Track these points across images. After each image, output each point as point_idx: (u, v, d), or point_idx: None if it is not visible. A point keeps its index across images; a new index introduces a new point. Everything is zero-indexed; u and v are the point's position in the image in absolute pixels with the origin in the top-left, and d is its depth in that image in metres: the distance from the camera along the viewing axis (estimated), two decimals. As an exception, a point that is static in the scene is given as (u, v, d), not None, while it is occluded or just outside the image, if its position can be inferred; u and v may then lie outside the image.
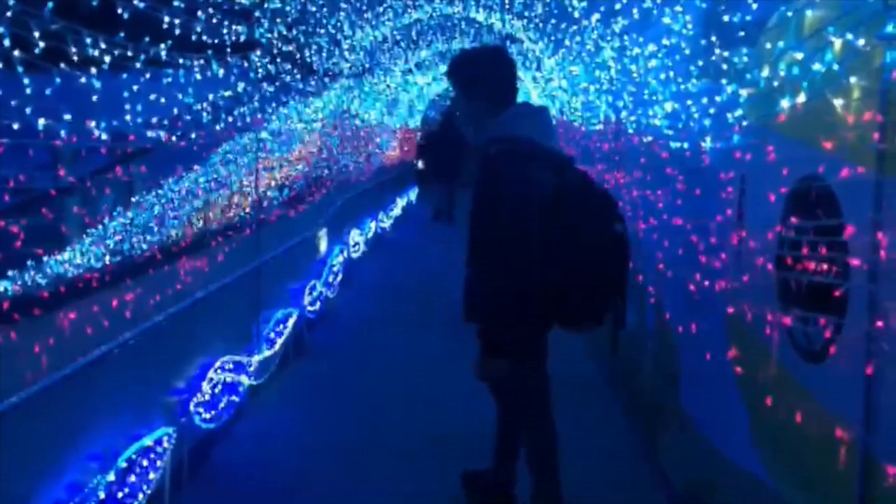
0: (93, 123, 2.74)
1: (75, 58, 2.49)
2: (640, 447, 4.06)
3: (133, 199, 4.13)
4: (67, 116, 2.52)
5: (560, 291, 2.77)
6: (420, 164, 16.06)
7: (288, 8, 4.95)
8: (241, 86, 4.43)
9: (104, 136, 2.83)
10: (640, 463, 3.90)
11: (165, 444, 3.28)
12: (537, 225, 2.72)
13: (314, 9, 5.57)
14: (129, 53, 2.82)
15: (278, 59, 4.99)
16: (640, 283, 4.27)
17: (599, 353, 5.47)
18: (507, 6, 7.01)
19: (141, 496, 3.01)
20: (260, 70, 4.73)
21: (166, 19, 3.11)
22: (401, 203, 14.01)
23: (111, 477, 2.86)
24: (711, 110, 3.11)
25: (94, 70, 2.62)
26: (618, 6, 4.48)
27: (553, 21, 6.38)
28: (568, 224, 2.74)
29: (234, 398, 4.29)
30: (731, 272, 2.89)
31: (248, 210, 5.24)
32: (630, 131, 4.83)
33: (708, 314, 3.10)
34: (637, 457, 3.97)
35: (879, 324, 1.91)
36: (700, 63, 3.26)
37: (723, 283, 2.94)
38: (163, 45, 3.08)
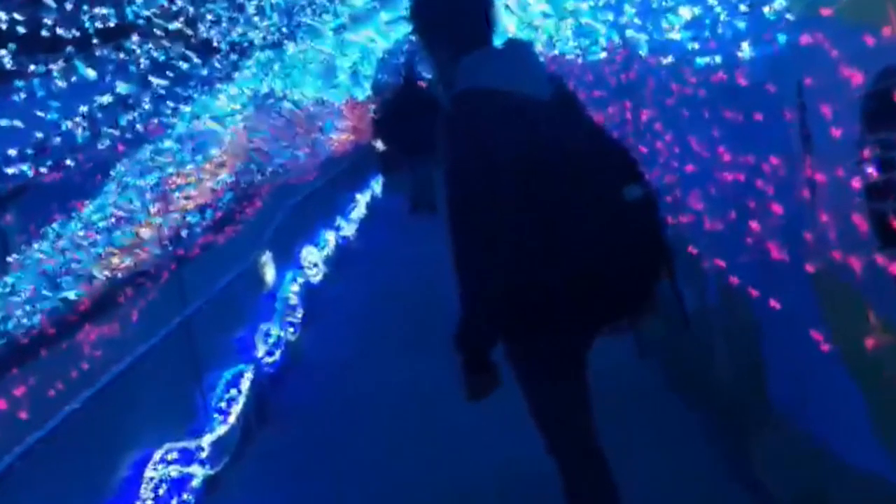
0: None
1: None
2: (726, 460, 4.03)
3: (10, 259, 4.08)
4: None
5: (571, 286, 2.73)
6: (380, 145, 16.01)
7: (164, -28, 4.91)
8: (121, 86, 4.38)
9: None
10: (730, 480, 3.88)
11: (104, 577, 3.21)
12: (510, 201, 2.70)
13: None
14: (-40, 69, 2.75)
15: (165, 42, 4.93)
16: (689, 252, 4.24)
17: (653, 348, 5.43)
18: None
19: None
20: (143, 61, 4.68)
21: (2, 16, 3.04)
22: (363, 200, 13.97)
23: None
24: (743, 7, 3.07)
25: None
26: None
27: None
28: (565, 195, 2.71)
29: (187, 496, 4.23)
30: (805, 216, 2.85)
31: (164, 244, 5.21)
32: (642, 54, 4.79)
33: (788, 276, 3.07)
34: (725, 473, 3.95)
35: None
36: (717, -53, 3.22)
37: (799, 233, 2.90)
38: (4, 51, 3.02)
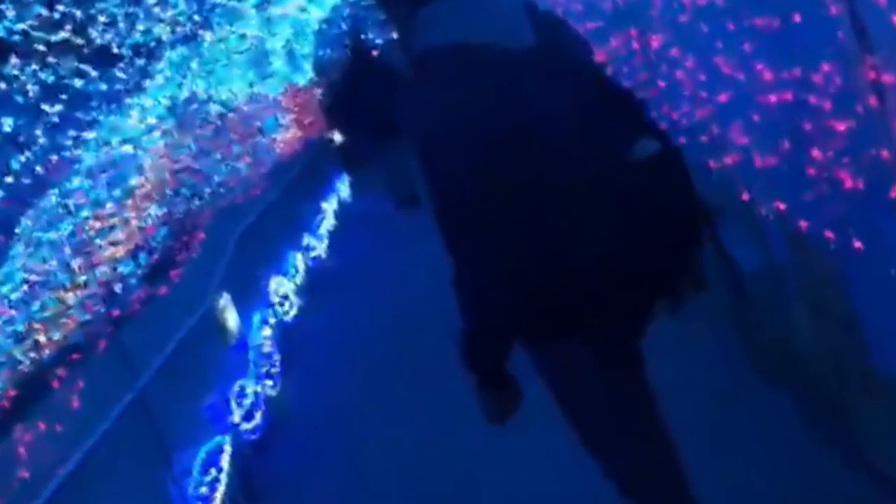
0: None
1: None
2: (832, 444, 4.02)
3: None
4: None
5: (594, 270, 2.75)
6: (337, 136, 16.02)
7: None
8: (7, 122, 4.37)
9: None
10: (842, 471, 3.88)
11: None
12: (502, 180, 2.71)
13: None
14: None
15: (52, 59, 4.92)
16: (742, 199, 4.24)
17: (711, 322, 5.43)
18: None
19: None
20: (29, 86, 4.67)
21: None
22: (330, 207, 13.97)
23: None
24: None
25: None
26: None
27: None
28: (566, 163, 2.73)
29: None
30: (877, 129, 2.84)
31: (95, 307, 5.20)
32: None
33: (868, 207, 3.06)
34: (834, 463, 3.94)
35: None
36: None
37: (873, 152, 2.90)
38: None
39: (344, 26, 15.88)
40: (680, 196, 2.85)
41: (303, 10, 13.34)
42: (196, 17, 8.23)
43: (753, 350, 5.02)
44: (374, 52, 13.33)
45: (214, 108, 9.40)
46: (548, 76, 2.85)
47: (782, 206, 3.92)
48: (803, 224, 3.74)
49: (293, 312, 9.08)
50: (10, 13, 4.57)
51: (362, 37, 13.73)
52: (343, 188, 15.81)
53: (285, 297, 9.05)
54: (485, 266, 2.78)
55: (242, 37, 10.47)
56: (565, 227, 2.74)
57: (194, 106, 8.66)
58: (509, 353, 2.91)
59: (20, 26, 4.63)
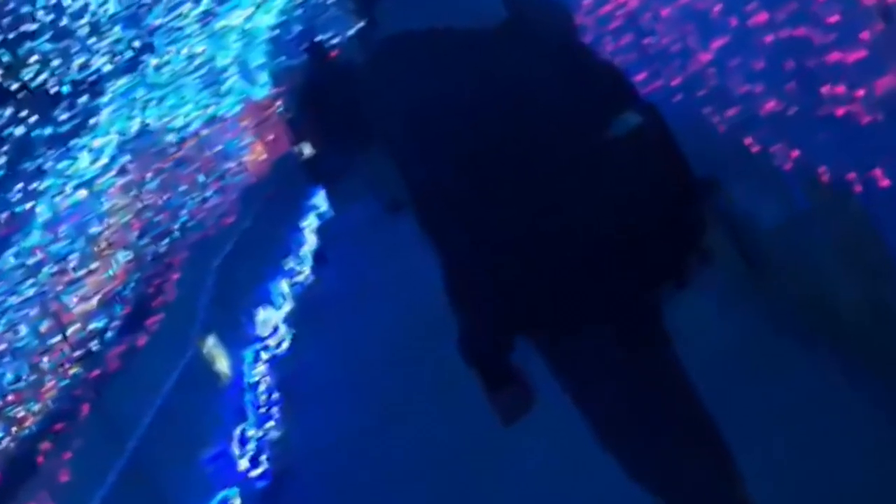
0: None
1: None
2: (879, 405, 4.01)
3: None
4: None
5: (591, 254, 2.75)
6: (307, 149, 16.01)
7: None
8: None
9: None
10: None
11: None
12: (479, 172, 2.70)
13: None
14: None
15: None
16: (752, 152, 4.23)
17: (732, 294, 5.42)
18: None
19: None
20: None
21: None
22: (310, 226, 13.97)
23: None
24: None
25: None
26: None
27: None
28: (546, 148, 2.72)
29: None
30: (889, 55, 2.82)
31: (71, 370, 5.21)
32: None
33: (888, 140, 3.04)
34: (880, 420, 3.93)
35: None
36: None
37: (885, 82, 2.88)
38: None
39: (297, 30, 15.88)
40: (669, 168, 2.83)
41: (248, 18, 13.33)
42: (136, 43, 8.21)
43: (784, 311, 5.01)
44: (333, 53, 13.31)
45: (170, 138, 9.40)
46: (524, 54, 2.84)
47: (797, 153, 3.91)
48: (822, 169, 3.73)
49: (286, 343, 9.06)
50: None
51: (318, 38, 13.72)
52: (320, 203, 15.78)
53: (275, 330, 9.03)
54: (474, 260, 2.78)
55: (189, 56, 10.47)
56: (554, 213, 2.75)
57: (148, 138, 8.65)
58: (510, 350, 2.91)
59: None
